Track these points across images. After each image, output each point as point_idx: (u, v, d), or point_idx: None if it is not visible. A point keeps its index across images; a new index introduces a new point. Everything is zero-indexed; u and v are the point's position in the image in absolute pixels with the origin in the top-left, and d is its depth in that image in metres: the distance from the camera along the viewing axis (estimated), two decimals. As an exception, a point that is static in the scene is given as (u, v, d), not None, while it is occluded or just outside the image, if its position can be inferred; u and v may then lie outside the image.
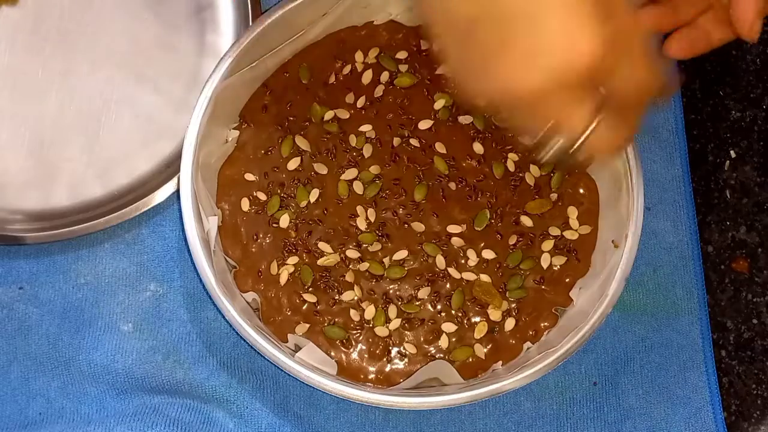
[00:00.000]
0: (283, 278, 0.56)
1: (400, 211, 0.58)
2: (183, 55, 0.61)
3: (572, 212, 0.58)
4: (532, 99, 0.40)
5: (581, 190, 0.58)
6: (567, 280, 0.57)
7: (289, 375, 0.53)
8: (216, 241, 0.55)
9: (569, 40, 0.39)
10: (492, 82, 0.41)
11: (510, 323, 0.56)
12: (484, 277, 0.57)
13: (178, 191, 0.55)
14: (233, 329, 0.53)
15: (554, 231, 0.58)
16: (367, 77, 0.59)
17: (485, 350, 0.56)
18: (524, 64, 0.39)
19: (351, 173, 0.58)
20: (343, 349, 0.56)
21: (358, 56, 0.59)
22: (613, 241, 0.56)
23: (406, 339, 0.56)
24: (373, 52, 0.59)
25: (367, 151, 0.58)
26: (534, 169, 0.58)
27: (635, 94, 0.41)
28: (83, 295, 0.59)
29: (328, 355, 0.55)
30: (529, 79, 0.39)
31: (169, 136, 0.60)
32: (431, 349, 0.56)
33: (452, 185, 0.58)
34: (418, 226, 0.57)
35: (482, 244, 0.57)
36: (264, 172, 0.58)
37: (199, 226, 0.54)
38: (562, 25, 0.39)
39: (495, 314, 0.56)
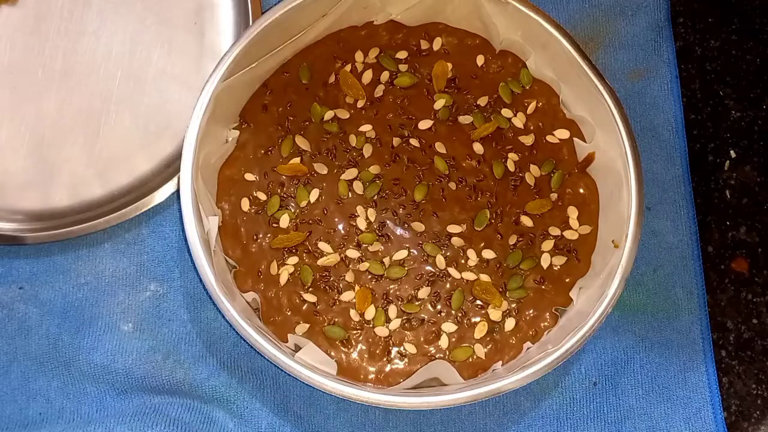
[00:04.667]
0: (283, 278, 0.56)
1: (400, 211, 0.58)
2: (183, 55, 0.61)
3: (572, 212, 0.58)
4: None
5: (581, 190, 0.58)
6: (567, 280, 0.57)
7: (289, 375, 0.53)
8: (216, 241, 0.55)
9: None
10: None
11: (510, 323, 0.56)
12: (484, 277, 0.57)
13: (178, 191, 0.55)
14: (233, 329, 0.53)
15: (554, 231, 0.58)
16: (367, 77, 0.59)
17: (485, 350, 0.56)
18: None
19: (351, 173, 0.58)
20: (343, 349, 0.56)
21: (358, 56, 0.59)
22: (613, 241, 0.56)
23: (406, 339, 0.56)
24: (373, 52, 0.59)
25: (367, 151, 0.58)
26: (534, 169, 0.58)
27: None
28: (83, 295, 0.59)
29: (328, 355, 0.55)
30: None
31: (169, 136, 0.60)
32: (431, 349, 0.56)
33: (452, 185, 0.58)
34: (418, 226, 0.57)
35: (482, 244, 0.57)
36: (264, 172, 0.58)
37: (199, 226, 0.54)
38: None
39: (495, 314, 0.56)
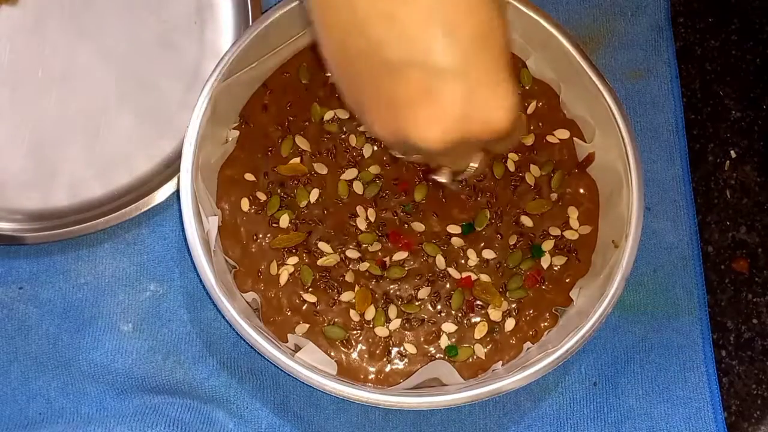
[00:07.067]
0: (283, 278, 0.56)
1: (400, 211, 0.58)
2: (183, 55, 0.61)
3: (572, 212, 0.58)
4: (431, 150, 0.40)
5: (581, 190, 0.58)
6: (567, 280, 0.57)
7: (289, 375, 0.53)
8: (216, 241, 0.55)
9: (491, 107, 0.39)
10: (394, 130, 0.40)
11: (510, 323, 0.56)
12: (484, 277, 0.57)
13: (178, 191, 0.55)
14: (233, 329, 0.53)
15: (554, 231, 0.57)
16: (367, 77, 0.59)
17: (485, 350, 0.56)
18: (435, 120, 0.39)
19: (351, 173, 0.58)
20: (343, 349, 0.56)
21: (358, 56, 0.59)
22: (613, 241, 0.56)
23: (406, 339, 0.56)
24: (373, 52, 0.59)
25: (367, 151, 0.58)
26: (534, 169, 0.58)
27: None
28: (83, 295, 0.59)
29: (328, 355, 0.55)
30: (436, 136, 0.39)
31: (169, 136, 0.60)
32: (431, 349, 0.56)
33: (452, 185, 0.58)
34: (418, 226, 0.57)
35: (482, 244, 0.57)
36: (264, 172, 0.58)
37: (199, 226, 0.54)
38: (486, 89, 0.38)
39: (495, 314, 0.56)
